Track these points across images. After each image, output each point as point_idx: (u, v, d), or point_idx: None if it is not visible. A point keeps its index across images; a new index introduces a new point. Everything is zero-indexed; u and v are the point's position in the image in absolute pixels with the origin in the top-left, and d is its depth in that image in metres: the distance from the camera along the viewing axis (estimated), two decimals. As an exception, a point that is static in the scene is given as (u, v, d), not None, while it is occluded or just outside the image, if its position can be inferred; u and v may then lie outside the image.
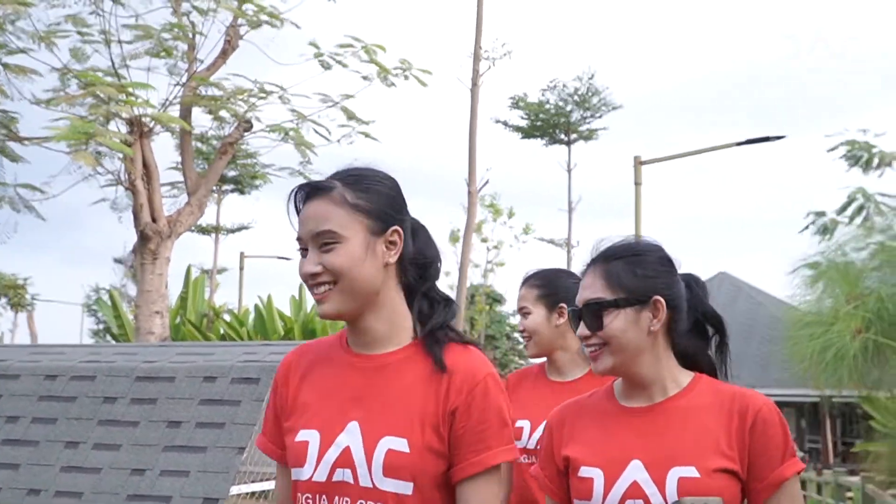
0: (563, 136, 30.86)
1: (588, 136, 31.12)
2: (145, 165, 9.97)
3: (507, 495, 2.96)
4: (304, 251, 1.72)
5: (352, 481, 1.65)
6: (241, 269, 26.92)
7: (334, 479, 1.66)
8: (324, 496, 1.68)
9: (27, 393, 4.86)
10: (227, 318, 19.54)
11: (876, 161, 20.35)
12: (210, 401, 4.30)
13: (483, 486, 1.68)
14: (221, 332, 17.03)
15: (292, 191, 1.75)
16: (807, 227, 21.25)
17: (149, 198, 9.89)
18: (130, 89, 9.75)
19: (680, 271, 1.96)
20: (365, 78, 11.15)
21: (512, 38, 49.28)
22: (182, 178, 11.02)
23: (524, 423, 2.87)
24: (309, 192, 1.73)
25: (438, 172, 60.22)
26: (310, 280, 1.70)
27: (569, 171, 30.43)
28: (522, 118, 31.25)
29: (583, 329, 1.88)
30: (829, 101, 67.24)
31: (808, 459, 22.33)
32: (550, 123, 30.59)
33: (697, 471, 1.75)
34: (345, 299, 1.69)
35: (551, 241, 32.53)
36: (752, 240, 67.02)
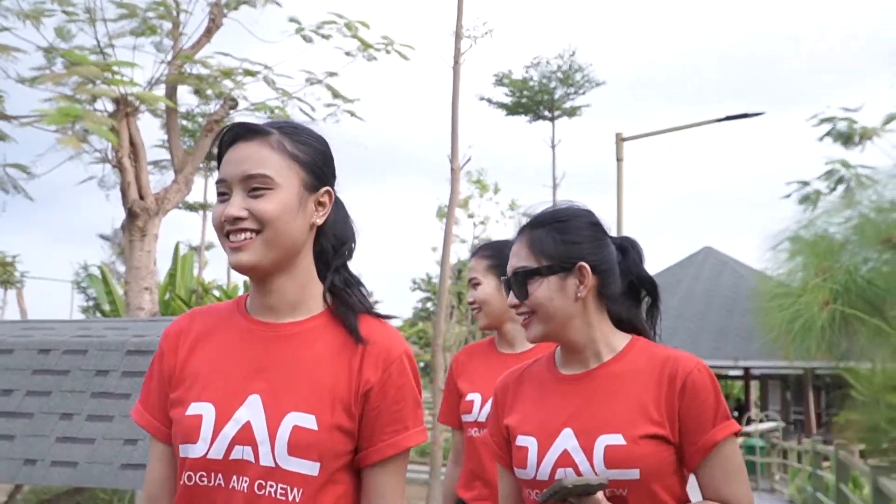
0: (546, 113, 30.89)
1: (571, 112, 31.15)
2: (132, 143, 10.05)
3: (461, 469, 2.96)
4: (223, 196, 1.56)
5: (252, 460, 1.50)
6: (229, 245, 26.82)
7: (232, 457, 1.50)
8: (219, 475, 1.51)
9: (21, 367, 5.01)
10: (216, 293, 19.65)
11: (857, 136, 20.56)
12: (198, 373, 4.48)
13: (396, 470, 1.58)
14: (210, 308, 17.09)
15: (222, 129, 1.61)
16: (789, 196, 21.49)
17: (136, 175, 9.98)
18: (115, 68, 9.81)
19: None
20: (347, 54, 11.23)
21: (493, 16, 49.03)
22: (168, 156, 11.11)
23: (475, 397, 2.84)
24: (242, 132, 1.58)
25: (425, 150, 60.22)
26: (229, 225, 1.53)
27: (553, 147, 30.50)
28: (506, 95, 31.26)
29: (511, 297, 1.87)
30: (813, 78, 67.35)
31: (794, 430, 22.72)
32: (534, 100, 30.59)
33: (624, 438, 1.74)
34: (266, 251, 1.53)
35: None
36: (737, 216, 67.40)
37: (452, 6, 11.10)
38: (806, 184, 21.63)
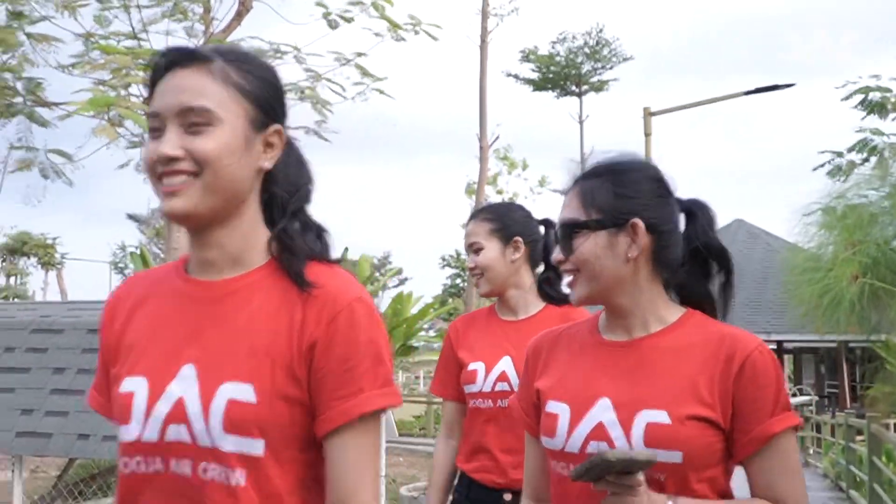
0: (574, 88, 30.79)
1: (599, 87, 31.03)
2: (167, 126, 10.25)
3: (458, 443, 2.80)
4: (156, 132, 1.34)
5: (188, 440, 1.30)
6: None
7: (167, 438, 1.31)
8: (157, 459, 1.32)
9: (71, 346, 5.23)
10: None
11: (891, 106, 20.23)
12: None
13: (356, 440, 1.33)
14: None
15: (157, 54, 1.39)
16: (822, 166, 21.22)
17: (172, 158, 10.18)
18: (144, 57, 9.98)
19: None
20: (376, 34, 11.31)
21: (519, -6, 48.81)
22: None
23: (478, 366, 2.69)
24: (179, 58, 1.35)
25: (454, 127, 60.31)
26: (161, 166, 1.32)
27: (580, 122, 30.41)
28: (533, 71, 31.18)
29: (557, 252, 1.68)
30: (844, 48, 66.15)
31: (828, 404, 22.60)
32: (561, 75, 30.50)
33: (668, 416, 1.56)
34: (204, 197, 1.32)
35: (565, 193, 32.58)
36: (769, 188, 66.75)
37: (479, -16, 11.15)
38: (839, 154, 21.34)
